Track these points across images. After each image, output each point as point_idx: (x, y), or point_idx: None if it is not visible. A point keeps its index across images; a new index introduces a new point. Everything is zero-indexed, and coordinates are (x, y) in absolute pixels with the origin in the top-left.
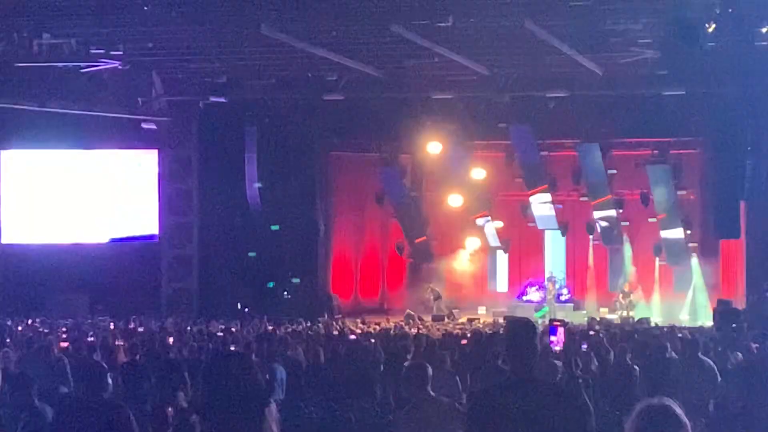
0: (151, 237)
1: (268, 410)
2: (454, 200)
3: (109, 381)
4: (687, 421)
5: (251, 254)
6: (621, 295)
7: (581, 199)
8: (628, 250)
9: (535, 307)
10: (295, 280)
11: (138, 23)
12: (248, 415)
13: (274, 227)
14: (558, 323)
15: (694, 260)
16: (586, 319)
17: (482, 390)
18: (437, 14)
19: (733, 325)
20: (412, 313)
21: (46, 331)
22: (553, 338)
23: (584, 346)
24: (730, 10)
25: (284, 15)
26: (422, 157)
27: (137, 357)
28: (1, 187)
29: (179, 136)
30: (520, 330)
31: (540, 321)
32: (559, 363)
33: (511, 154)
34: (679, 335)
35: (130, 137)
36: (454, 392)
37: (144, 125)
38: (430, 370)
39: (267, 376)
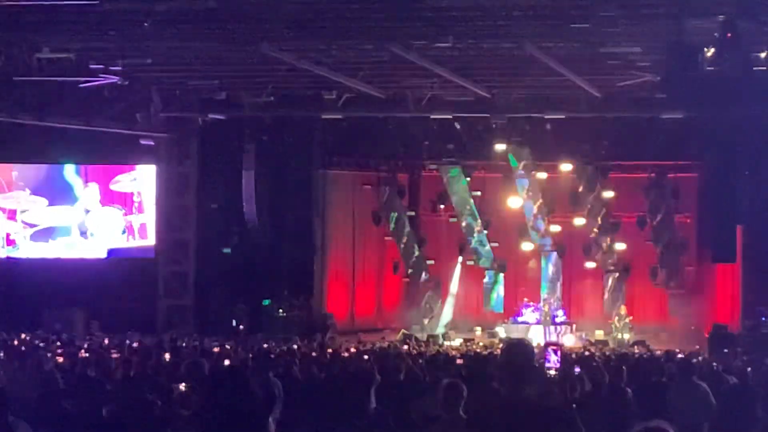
0: (148, 253)
1: (267, 426)
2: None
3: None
4: None
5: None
6: (617, 318)
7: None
8: (624, 272)
9: None
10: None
11: (138, 39)
12: (247, 430)
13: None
14: (553, 346)
15: None
16: (581, 341)
17: (478, 411)
18: (437, 35)
19: (725, 350)
20: (408, 332)
21: (41, 345)
22: (550, 359)
23: (577, 370)
24: (728, 35)
25: (284, 33)
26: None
27: (133, 373)
28: None
29: (177, 152)
30: (517, 351)
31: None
32: (554, 385)
33: (508, 175)
34: (676, 358)
35: (128, 153)
36: None
37: (142, 141)
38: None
39: (265, 391)
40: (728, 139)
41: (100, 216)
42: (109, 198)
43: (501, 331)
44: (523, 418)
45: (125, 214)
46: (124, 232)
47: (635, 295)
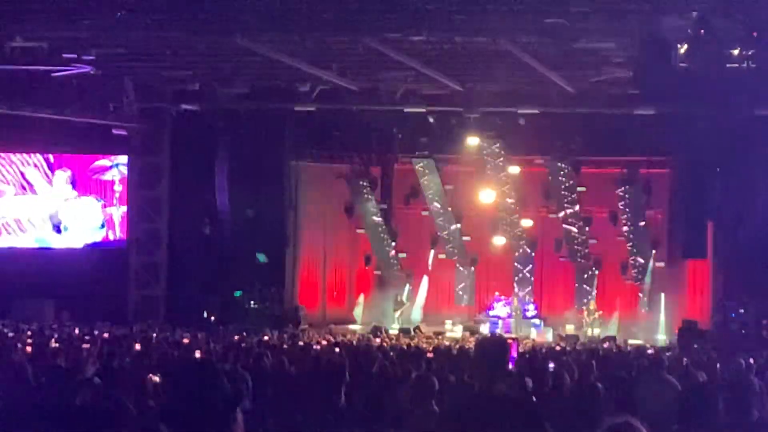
0: (119, 243)
1: (235, 418)
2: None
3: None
4: None
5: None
6: (587, 313)
7: (550, 215)
8: (595, 267)
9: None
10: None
11: (111, 28)
12: (215, 422)
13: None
14: (510, 340)
15: None
16: (551, 336)
17: (451, 406)
18: (411, 28)
19: (695, 345)
20: (379, 325)
21: (11, 334)
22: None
23: (551, 365)
24: (702, 32)
25: (258, 25)
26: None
27: (103, 363)
28: None
29: (150, 142)
30: (491, 347)
31: None
32: (527, 380)
33: (482, 169)
34: (646, 354)
35: (100, 143)
36: None
37: (115, 131)
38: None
39: (234, 383)
40: (700, 135)
41: (75, 207)
42: (86, 188)
43: (472, 325)
44: (495, 412)
45: (104, 206)
46: (102, 225)
47: (606, 290)
